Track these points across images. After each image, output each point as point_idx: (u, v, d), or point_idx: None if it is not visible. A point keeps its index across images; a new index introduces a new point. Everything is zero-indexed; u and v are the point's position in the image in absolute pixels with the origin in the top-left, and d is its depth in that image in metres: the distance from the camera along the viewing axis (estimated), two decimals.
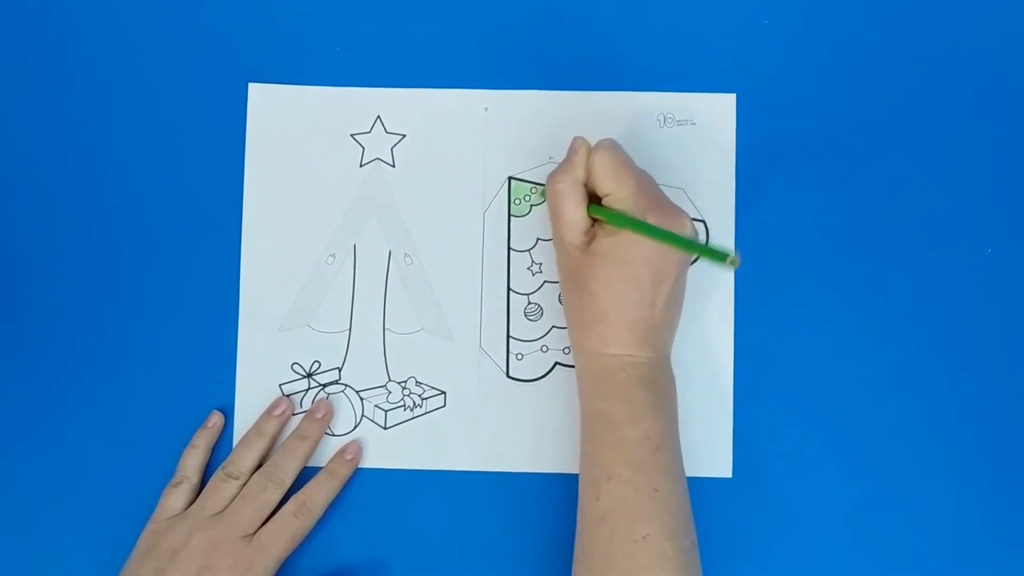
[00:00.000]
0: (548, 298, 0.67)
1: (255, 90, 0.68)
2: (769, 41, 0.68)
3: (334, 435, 0.67)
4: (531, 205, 0.68)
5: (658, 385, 0.60)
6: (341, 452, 0.66)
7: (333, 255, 0.68)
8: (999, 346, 0.67)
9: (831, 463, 0.66)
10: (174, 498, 0.65)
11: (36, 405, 0.67)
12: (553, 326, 0.67)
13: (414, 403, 0.67)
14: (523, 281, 0.68)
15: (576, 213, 0.61)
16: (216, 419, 0.66)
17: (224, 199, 0.68)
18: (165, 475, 0.66)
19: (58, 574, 0.66)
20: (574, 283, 0.61)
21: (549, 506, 0.66)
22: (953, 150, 0.68)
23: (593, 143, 0.62)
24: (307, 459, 0.66)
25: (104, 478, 0.67)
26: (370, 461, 0.67)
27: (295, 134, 0.68)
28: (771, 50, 0.68)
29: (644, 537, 0.57)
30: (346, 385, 0.67)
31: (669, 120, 0.68)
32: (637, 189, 0.60)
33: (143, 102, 0.69)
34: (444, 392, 0.67)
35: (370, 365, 0.67)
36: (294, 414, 0.67)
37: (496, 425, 0.67)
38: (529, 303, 0.67)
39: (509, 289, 0.68)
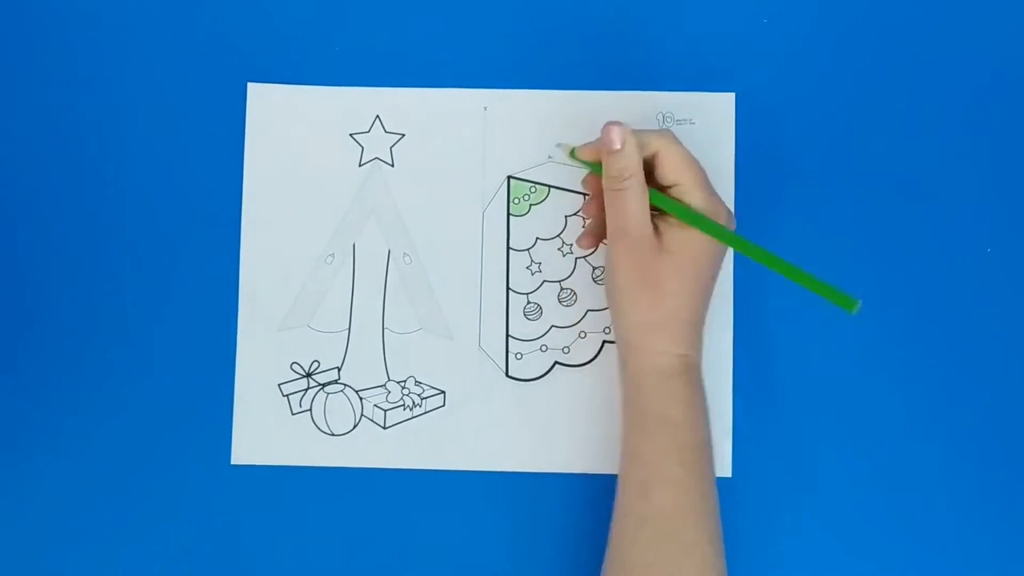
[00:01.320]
0: (547, 297, 0.67)
1: (254, 90, 0.68)
2: (768, 40, 0.68)
3: (334, 435, 0.67)
4: (530, 204, 0.68)
5: (704, 389, 0.60)
6: None
7: (332, 255, 0.68)
8: (999, 346, 0.67)
9: (831, 463, 0.66)
10: None
11: (32, 404, 0.67)
12: (552, 325, 0.67)
13: (413, 403, 0.67)
14: (522, 280, 0.68)
15: (644, 203, 0.58)
16: None
17: (223, 199, 0.68)
18: (161, 475, 0.66)
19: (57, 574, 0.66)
20: (643, 281, 0.58)
21: (548, 506, 0.66)
22: (953, 149, 0.68)
23: (618, 134, 0.58)
24: None
25: (103, 477, 0.67)
26: (369, 461, 0.67)
27: (294, 134, 0.68)
28: (770, 49, 0.68)
29: (691, 543, 0.56)
30: (345, 385, 0.67)
31: (668, 119, 0.67)
32: (708, 187, 0.59)
33: (142, 102, 0.69)
34: (443, 392, 0.67)
35: (369, 365, 0.67)
36: (293, 414, 0.67)
37: (495, 425, 0.67)
38: (528, 302, 0.67)
39: (508, 288, 0.67)
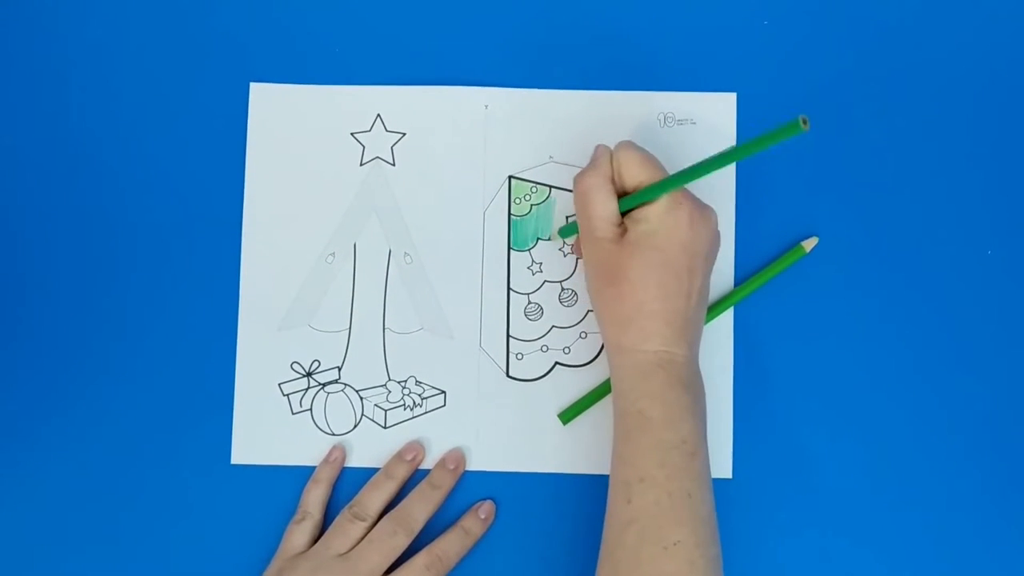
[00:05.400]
0: (548, 298, 0.67)
1: (256, 90, 0.68)
2: (769, 40, 0.68)
3: (334, 434, 0.67)
4: (531, 204, 0.68)
5: (694, 388, 0.59)
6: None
7: (333, 254, 0.68)
8: (999, 346, 0.67)
9: (831, 463, 0.66)
10: (298, 535, 0.64)
11: (31, 403, 0.67)
12: (553, 326, 0.67)
13: (414, 402, 0.67)
14: (523, 280, 0.68)
15: (608, 207, 0.60)
16: (338, 453, 0.66)
17: (225, 198, 0.68)
18: (160, 475, 0.66)
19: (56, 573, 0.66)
20: (609, 277, 0.59)
21: (549, 506, 0.66)
22: (953, 149, 0.68)
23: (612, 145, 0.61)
24: (437, 508, 0.65)
25: (103, 476, 0.66)
26: (370, 461, 0.67)
27: (295, 133, 0.68)
28: (771, 49, 0.68)
29: (675, 544, 0.56)
30: (346, 384, 0.67)
31: (670, 119, 0.67)
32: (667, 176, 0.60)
33: (145, 102, 0.69)
34: (444, 392, 0.67)
35: (370, 364, 0.67)
36: (294, 413, 0.67)
37: (496, 425, 0.67)
38: (529, 303, 0.67)
39: (509, 288, 0.67)
